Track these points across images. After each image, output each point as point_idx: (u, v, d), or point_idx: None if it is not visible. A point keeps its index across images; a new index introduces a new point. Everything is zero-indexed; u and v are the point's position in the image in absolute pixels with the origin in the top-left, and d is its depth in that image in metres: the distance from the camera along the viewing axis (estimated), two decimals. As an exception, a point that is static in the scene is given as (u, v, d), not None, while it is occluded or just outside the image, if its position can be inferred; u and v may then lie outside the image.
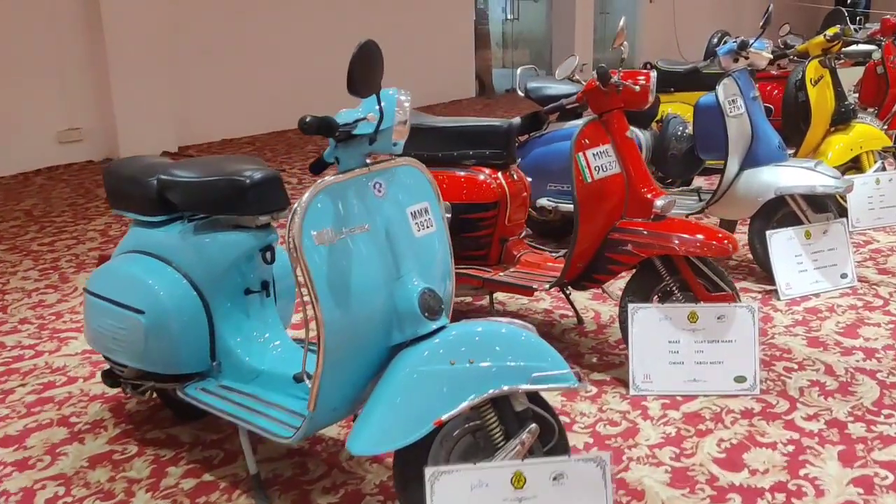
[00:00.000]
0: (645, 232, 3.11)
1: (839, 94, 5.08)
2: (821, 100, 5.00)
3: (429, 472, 2.04)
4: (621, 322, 3.21)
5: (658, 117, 4.62)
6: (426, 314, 2.14)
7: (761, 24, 4.20)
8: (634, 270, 3.26)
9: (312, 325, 2.11)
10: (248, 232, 2.56)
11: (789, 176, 4.04)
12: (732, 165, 4.13)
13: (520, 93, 4.87)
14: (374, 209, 2.17)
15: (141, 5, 7.62)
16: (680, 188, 4.69)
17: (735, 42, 4.08)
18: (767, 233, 4.02)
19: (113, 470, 2.66)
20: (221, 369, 2.62)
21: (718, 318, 3.08)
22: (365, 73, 2.02)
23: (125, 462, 2.70)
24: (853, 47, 6.40)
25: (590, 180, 3.13)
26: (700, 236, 3.03)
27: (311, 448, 2.76)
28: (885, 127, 6.04)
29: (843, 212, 5.00)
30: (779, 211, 4.17)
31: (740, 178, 4.16)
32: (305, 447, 2.75)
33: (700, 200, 4.39)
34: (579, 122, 3.36)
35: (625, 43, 3.33)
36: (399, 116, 2.17)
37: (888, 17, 6.05)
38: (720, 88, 4.08)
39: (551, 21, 13.95)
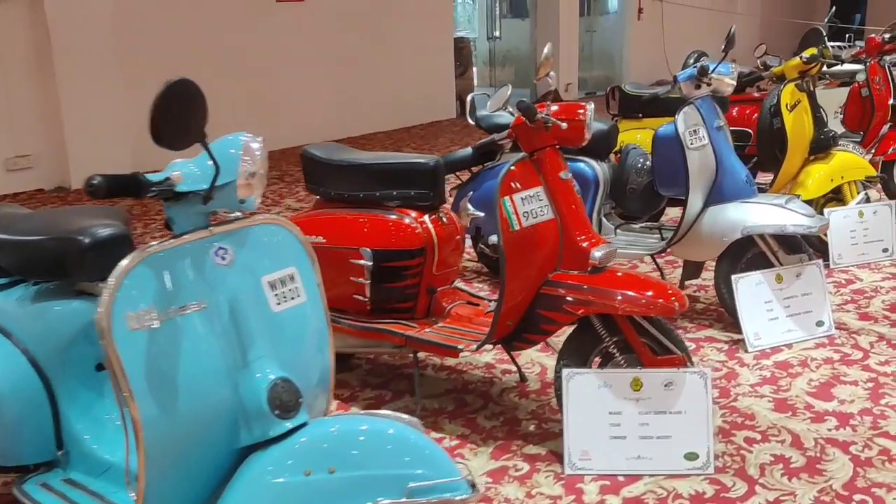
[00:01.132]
0: (581, 286, 2.71)
1: (818, 120, 4.69)
2: (798, 126, 4.62)
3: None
4: (556, 389, 2.81)
5: (617, 148, 4.23)
6: (277, 411, 1.75)
7: (723, 46, 3.83)
8: (573, 328, 2.86)
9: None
10: (95, 299, 2.17)
11: (758, 214, 3.65)
12: (695, 202, 3.74)
13: (470, 121, 4.50)
14: (216, 281, 1.77)
15: (92, 24, 7.25)
16: (643, 224, 4.29)
17: (696, 66, 3.70)
18: (733, 277, 3.62)
19: None
20: (69, 459, 2.23)
21: (665, 385, 2.67)
22: (174, 119, 1.63)
23: None
24: (838, 67, 6.03)
25: (517, 228, 2.73)
26: (644, 293, 2.63)
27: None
28: (872, 153, 5.66)
29: (823, 247, 4.62)
30: (747, 252, 3.78)
31: (704, 215, 3.77)
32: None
33: (662, 239, 4.00)
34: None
35: (551, 73, 2.94)
36: (246, 167, 1.78)
37: (873, 35, 5.68)
38: (680, 118, 3.70)
39: (535, 40, 13.60)
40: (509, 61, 15.19)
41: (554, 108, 2.82)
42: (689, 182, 3.69)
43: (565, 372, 2.71)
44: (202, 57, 8.28)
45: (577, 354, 2.80)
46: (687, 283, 4.19)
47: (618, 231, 4.16)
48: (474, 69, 14.38)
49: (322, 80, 9.57)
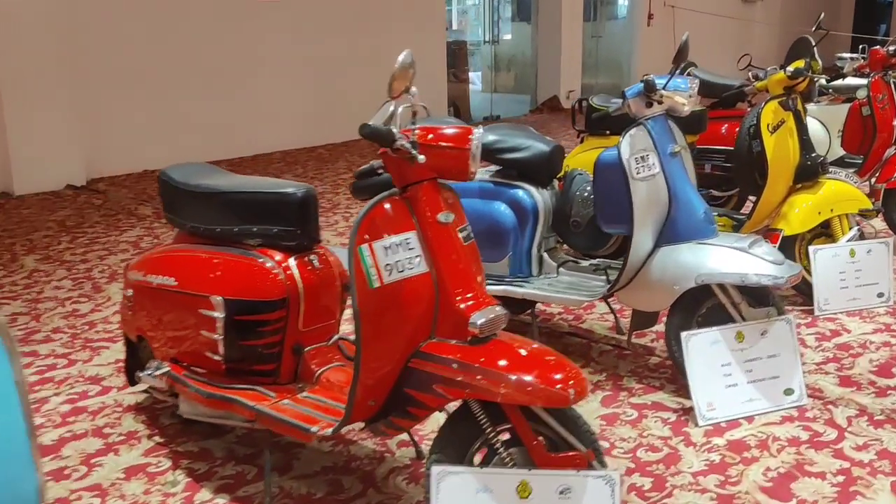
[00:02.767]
0: (454, 363, 2.12)
1: (805, 143, 4.07)
2: (781, 150, 3.99)
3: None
4: (426, 489, 2.21)
5: (562, 173, 3.62)
6: None
7: (674, 57, 3.22)
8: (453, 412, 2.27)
9: None
10: None
11: (716, 259, 3.04)
12: (642, 241, 3.14)
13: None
14: None
15: (38, 28, 6.76)
16: (596, 262, 3.66)
17: (643, 81, 3.09)
18: (683, 335, 3.01)
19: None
20: None
21: (561, 492, 2.08)
22: None
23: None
24: (840, 82, 5.39)
25: (377, 285, 2.14)
26: (531, 374, 2.04)
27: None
28: (873, 180, 5.01)
29: (809, 290, 4.00)
30: (704, 302, 3.17)
31: (654, 257, 3.16)
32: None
33: (608, 282, 3.39)
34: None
35: (412, 89, 2.32)
36: None
37: (878, 47, 5.03)
38: (624, 142, 3.10)
39: (536, 44, 12.98)
40: (516, 65, 14.63)
41: (423, 131, 2.21)
42: (633, 217, 3.08)
43: (435, 469, 2.12)
44: (157, 61, 7.79)
45: (453, 446, 2.20)
46: (637, 332, 3.60)
47: (560, 270, 3.55)
48: (472, 73, 13.86)
49: (302, 85, 9.03)
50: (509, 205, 3.51)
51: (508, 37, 14.18)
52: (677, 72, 3.17)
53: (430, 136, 2.19)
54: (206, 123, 8.13)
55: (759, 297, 3.10)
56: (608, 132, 4.51)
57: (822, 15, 4.14)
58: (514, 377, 2.02)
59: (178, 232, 2.87)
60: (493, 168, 3.63)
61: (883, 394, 3.20)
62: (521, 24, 14.03)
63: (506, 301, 2.71)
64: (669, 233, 3.16)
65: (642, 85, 3.08)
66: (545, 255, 3.56)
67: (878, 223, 5.17)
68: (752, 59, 4.55)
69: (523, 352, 2.13)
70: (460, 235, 2.25)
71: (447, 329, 2.18)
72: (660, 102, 3.10)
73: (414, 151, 2.12)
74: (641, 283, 3.19)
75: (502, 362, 2.07)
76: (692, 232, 3.13)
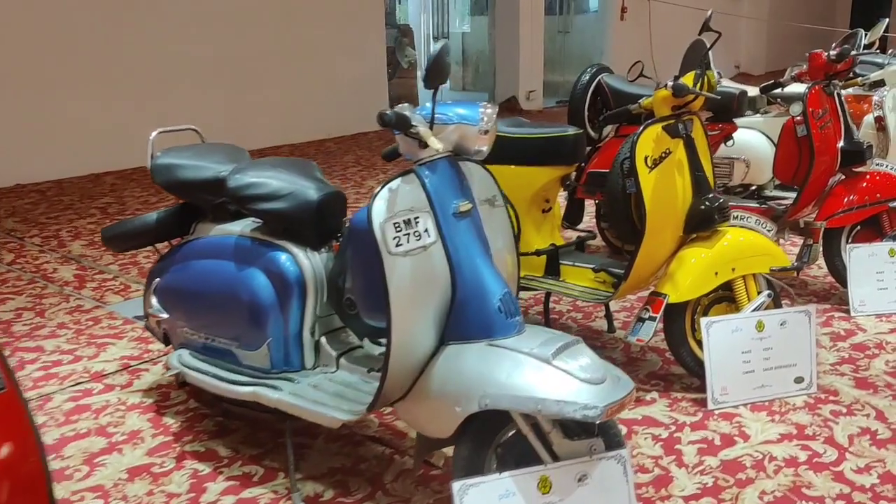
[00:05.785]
0: None
1: (699, 181, 3.09)
2: (665, 190, 3.03)
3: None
4: None
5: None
6: None
7: (425, 75, 2.22)
8: None
9: None
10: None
11: (508, 372, 2.07)
12: (408, 339, 2.17)
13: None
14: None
15: None
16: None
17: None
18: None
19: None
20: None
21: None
22: None
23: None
24: (780, 90, 4.39)
25: None
26: None
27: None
28: (813, 218, 4.03)
29: (700, 369, 3.03)
30: (504, 428, 2.20)
31: (437, 360, 2.20)
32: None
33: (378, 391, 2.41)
34: None
35: None
36: None
37: (819, 51, 4.03)
38: (378, 199, 2.12)
39: (494, 40, 11.97)
40: (473, 62, 13.67)
41: None
42: (388, 308, 2.11)
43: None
44: (56, 57, 6.86)
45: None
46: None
47: (341, 362, 2.59)
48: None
49: (217, 86, 8.07)
50: (267, 273, 2.56)
51: (467, 29, 13.17)
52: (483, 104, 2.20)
53: None
54: (87, 136, 7.18)
55: (579, 424, 2.14)
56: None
57: (711, 12, 3.14)
58: None
59: None
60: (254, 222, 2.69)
61: None
62: (482, 18, 13.05)
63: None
64: (455, 326, 2.20)
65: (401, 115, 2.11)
66: (324, 340, 2.61)
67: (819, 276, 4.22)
68: (643, 68, 3.54)
69: None
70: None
71: None
72: (424, 145, 2.13)
73: None
74: (419, 395, 2.23)
75: None
76: (484, 326, 2.16)
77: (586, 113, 4.45)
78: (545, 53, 12.23)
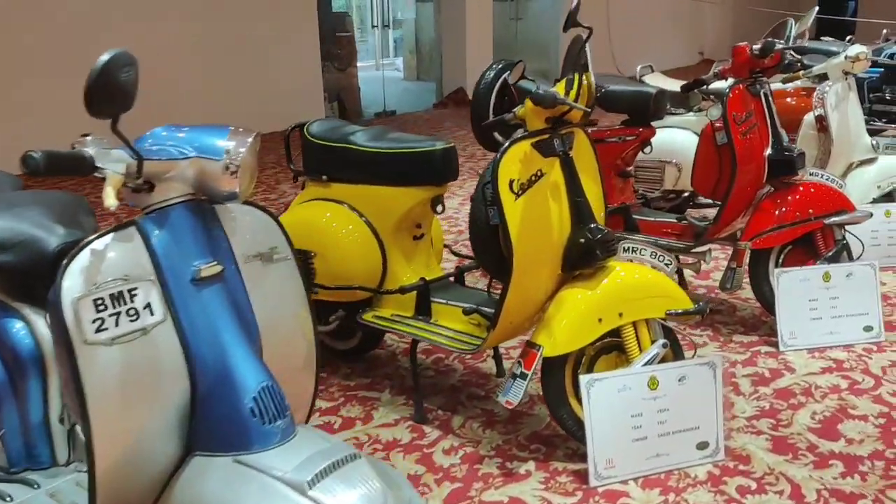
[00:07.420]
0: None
1: (579, 208, 2.53)
2: (536, 219, 2.46)
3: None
4: None
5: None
6: None
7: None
8: None
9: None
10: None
11: (256, 498, 1.50)
12: (117, 449, 1.60)
13: None
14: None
15: None
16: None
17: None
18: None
19: None
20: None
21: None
22: None
23: None
24: (704, 88, 3.84)
25: None
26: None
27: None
28: (739, 238, 3.49)
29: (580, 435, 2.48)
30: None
31: (183, 471, 1.64)
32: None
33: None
34: None
35: None
36: None
37: (744, 43, 3.49)
38: (70, 272, 1.53)
39: (440, 27, 11.37)
40: (420, 51, 13.09)
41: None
42: (87, 413, 1.54)
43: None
44: None
45: None
46: None
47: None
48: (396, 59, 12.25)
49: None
50: (-1, 347, 1.98)
51: (412, 16, 12.55)
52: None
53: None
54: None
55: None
56: (324, 176, 3.01)
57: (576, 2, 2.59)
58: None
59: None
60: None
61: None
62: (426, 5, 12.45)
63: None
64: (200, 431, 1.63)
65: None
66: (79, 428, 2.03)
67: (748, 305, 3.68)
68: (525, 69, 2.98)
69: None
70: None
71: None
72: (151, 187, 1.55)
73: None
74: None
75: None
76: (232, 433, 1.58)
77: (491, 115, 3.88)
78: (497, 42, 11.67)
